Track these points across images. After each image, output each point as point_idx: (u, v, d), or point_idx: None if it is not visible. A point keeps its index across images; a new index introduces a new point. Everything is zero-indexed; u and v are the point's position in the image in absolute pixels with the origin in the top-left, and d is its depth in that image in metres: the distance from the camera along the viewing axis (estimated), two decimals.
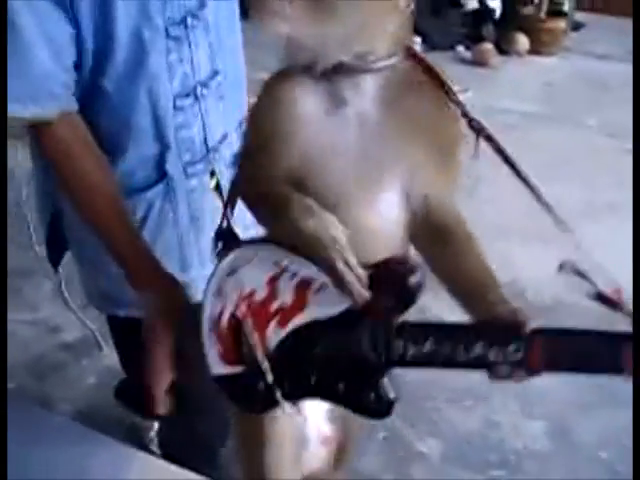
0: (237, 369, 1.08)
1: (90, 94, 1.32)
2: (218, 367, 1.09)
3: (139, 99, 1.34)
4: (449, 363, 0.98)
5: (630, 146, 4.37)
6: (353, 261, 0.94)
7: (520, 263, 3.20)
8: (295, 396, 1.08)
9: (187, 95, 1.39)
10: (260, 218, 1.09)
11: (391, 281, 0.98)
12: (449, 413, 2.40)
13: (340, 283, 0.95)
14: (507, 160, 1.09)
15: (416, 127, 1.02)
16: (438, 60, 4.13)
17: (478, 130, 1.03)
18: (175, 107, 1.38)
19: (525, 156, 4.03)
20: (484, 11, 5.89)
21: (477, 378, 2.65)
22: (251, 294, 1.05)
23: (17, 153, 2.74)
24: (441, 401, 2.43)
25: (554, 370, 0.98)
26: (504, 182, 3.81)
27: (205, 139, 1.45)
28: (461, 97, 3.69)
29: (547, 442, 2.31)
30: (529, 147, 4.26)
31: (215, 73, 1.43)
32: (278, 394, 1.06)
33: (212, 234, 1.32)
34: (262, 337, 1.05)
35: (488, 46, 5.59)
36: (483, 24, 5.78)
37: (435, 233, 1.05)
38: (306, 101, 0.99)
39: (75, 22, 1.24)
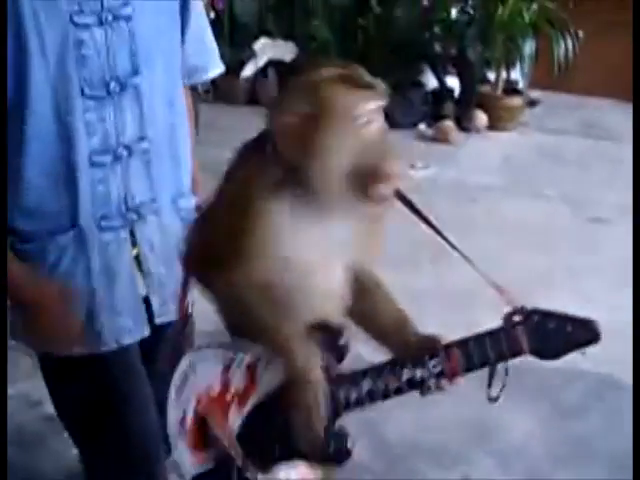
0: (210, 464, 1.23)
1: (13, 137, 1.43)
2: (192, 467, 1.25)
3: (55, 149, 1.45)
4: (386, 394, 1.17)
5: (589, 215, 4.57)
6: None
7: (485, 327, 3.27)
8: (267, 465, 1.19)
9: (105, 153, 1.48)
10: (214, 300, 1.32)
11: (328, 343, 1.19)
12: (429, 472, 2.44)
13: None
14: (427, 222, 1.35)
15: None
16: (401, 138, 4.34)
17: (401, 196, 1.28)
18: (92, 163, 1.47)
19: (489, 226, 4.23)
20: (444, 90, 6.14)
21: (455, 438, 2.73)
22: (208, 390, 1.23)
23: None
24: (421, 461, 2.47)
25: (470, 371, 1.30)
26: (469, 250, 3.94)
27: (125, 198, 1.52)
28: (424, 173, 3.92)
29: None
30: (493, 218, 4.44)
31: (142, 139, 1.52)
32: (251, 474, 1.18)
33: (127, 288, 1.54)
34: (225, 425, 1.17)
35: (449, 123, 5.80)
36: (443, 102, 6.01)
37: (361, 290, 1.32)
38: (288, 214, 1.22)
39: None
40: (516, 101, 6.09)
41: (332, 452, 1.18)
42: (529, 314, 1.17)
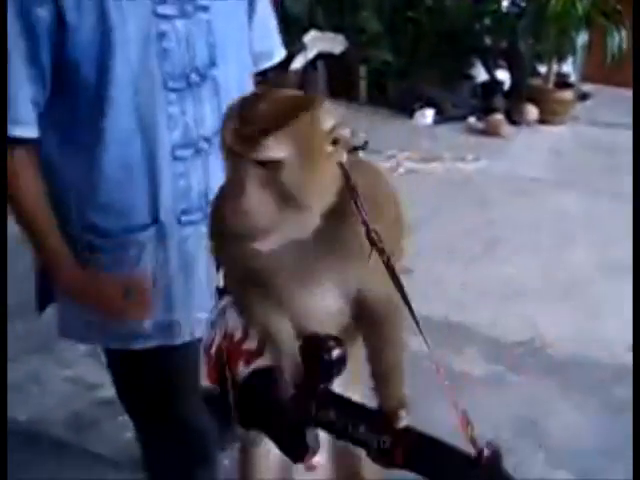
0: (216, 388, 1.24)
1: (91, 134, 1.43)
2: (204, 381, 1.28)
3: (136, 143, 1.44)
4: (341, 434, 1.13)
5: None
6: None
7: (540, 322, 3.27)
8: (251, 426, 1.23)
9: (187, 147, 1.48)
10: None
11: (310, 355, 1.14)
12: None
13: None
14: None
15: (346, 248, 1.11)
16: (451, 131, 4.36)
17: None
18: (174, 156, 1.47)
19: (541, 219, 4.19)
20: (494, 83, 6.10)
21: (504, 432, 2.72)
22: (232, 333, 1.22)
23: None
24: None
25: (410, 469, 1.10)
26: (520, 244, 3.95)
27: (205, 191, 1.51)
28: (474, 166, 3.90)
29: None
30: (544, 212, 4.40)
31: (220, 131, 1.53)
32: (236, 420, 1.21)
33: (203, 281, 1.54)
34: (235, 369, 1.20)
35: (499, 117, 5.76)
36: (493, 96, 5.97)
37: (368, 317, 1.19)
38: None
39: (75, 64, 1.38)
40: (567, 94, 6.02)
41: (294, 445, 1.18)
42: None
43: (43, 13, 1.34)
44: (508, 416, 2.66)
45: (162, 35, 1.41)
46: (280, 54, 1.76)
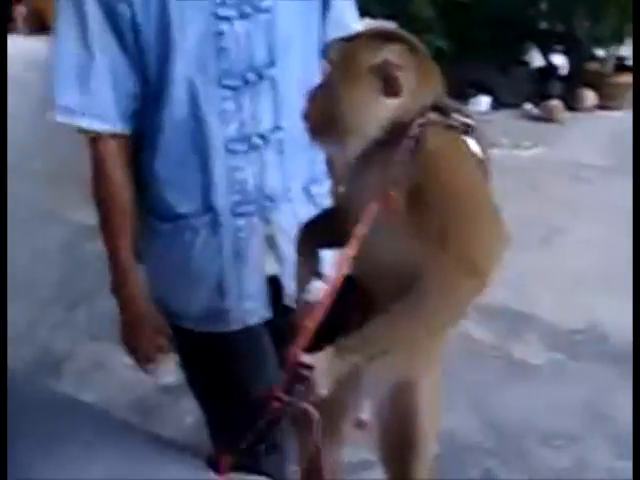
0: None
1: (151, 125, 1.50)
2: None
3: (190, 136, 1.49)
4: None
5: None
6: None
7: (600, 310, 3.22)
8: None
9: (242, 141, 1.51)
10: None
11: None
12: (541, 453, 2.42)
13: None
14: None
15: None
16: (507, 117, 4.29)
17: None
18: (228, 150, 1.50)
19: (599, 206, 4.12)
20: (550, 68, 6.00)
21: (568, 420, 2.68)
22: None
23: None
24: (532, 441, 2.46)
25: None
26: (579, 232, 3.89)
27: (260, 186, 1.55)
28: (531, 152, 3.85)
29: None
30: (606, 199, 4.32)
31: (277, 128, 1.53)
32: None
33: (255, 272, 1.57)
34: None
35: (556, 102, 5.67)
36: (550, 81, 5.88)
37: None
38: None
39: (140, 65, 1.45)
40: (626, 78, 5.88)
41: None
42: None
43: (123, 8, 1.40)
44: (570, 404, 2.63)
45: (220, 34, 1.44)
46: None
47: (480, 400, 2.58)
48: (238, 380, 1.71)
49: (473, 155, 1.18)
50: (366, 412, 1.36)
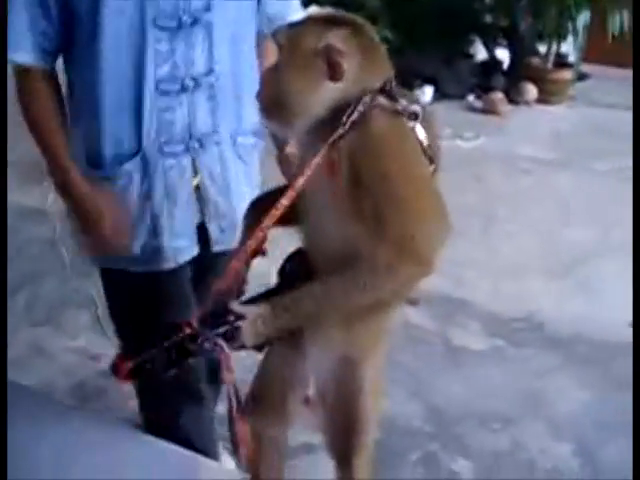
0: None
1: (84, 64, 1.54)
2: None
3: (124, 76, 1.53)
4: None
5: None
6: None
7: (539, 297, 3.30)
8: None
9: (173, 82, 1.55)
10: None
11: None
12: (479, 436, 2.48)
13: None
14: None
15: None
16: (450, 109, 4.34)
17: None
18: (159, 90, 1.55)
19: (539, 198, 4.21)
20: (493, 62, 6.09)
21: (505, 404, 2.74)
22: None
23: (49, 193, 2.90)
24: (470, 425, 2.51)
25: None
26: (518, 221, 3.98)
27: (189, 127, 1.60)
28: (473, 144, 3.92)
29: (575, 463, 2.39)
30: (545, 191, 4.42)
31: (209, 73, 1.58)
32: None
33: (185, 211, 1.63)
34: None
35: (498, 95, 5.76)
36: (493, 74, 5.97)
37: None
38: None
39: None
40: (566, 74, 6.02)
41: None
42: None
43: None
44: (508, 389, 2.69)
45: None
46: (298, 12, 1.75)
47: (420, 385, 2.63)
48: (163, 316, 1.71)
49: (419, 142, 1.20)
50: (311, 389, 1.38)
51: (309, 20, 1.22)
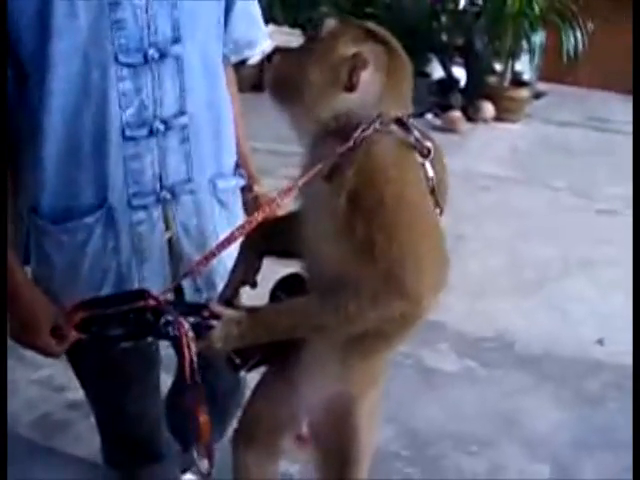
0: None
1: (34, 107, 1.35)
2: None
3: (83, 120, 1.35)
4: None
5: (598, 207, 4.60)
6: None
7: (507, 316, 3.31)
8: None
9: (141, 126, 1.38)
10: None
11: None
12: (457, 459, 2.46)
13: None
14: None
15: None
16: None
17: None
18: (125, 136, 1.37)
19: (498, 215, 4.24)
20: (450, 80, 6.15)
21: (482, 426, 2.72)
22: None
23: None
24: (448, 447, 2.49)
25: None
26: (482, 239, 3.99)
27: (160, 175, 1.43)
28: None
29: None
30: (505, 208, 4.46)
31: (181, 113, 1.41)
32: None
33: (157, 267, 1.47)
34: None
35: (457, 113, 5.82)
36: (450, 93, 6.02)
37: None
38: None
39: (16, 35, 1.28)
40: (523, 93, 6.11)
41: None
42: None
43: None
44: (483, 410, 2.68)
45: (116, 4, 1.30)
46: (265, 44, 1.65)
47: (396, 408, 2.60)
48: (132, 393, 1.66)
49: (427, 179, 1.16)
50: (304, 427, 1.34)
51: (354, 27, 1.19)
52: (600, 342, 3.14)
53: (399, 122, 1.14)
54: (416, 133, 1.15)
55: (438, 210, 1.20)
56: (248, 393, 1.50)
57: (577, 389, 2.83)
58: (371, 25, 1.20)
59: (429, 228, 1.15)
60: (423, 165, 1.15)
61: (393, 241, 1.09)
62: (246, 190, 1.67)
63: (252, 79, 6.05)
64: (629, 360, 3.02)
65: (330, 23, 1.18)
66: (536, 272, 3.73)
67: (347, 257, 1.10)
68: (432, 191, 1.17)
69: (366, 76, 1.12)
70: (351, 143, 1.10)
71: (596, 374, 2.93)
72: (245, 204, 1.67)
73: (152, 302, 1.19)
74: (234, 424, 1.49)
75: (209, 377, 1.24)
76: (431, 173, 1.16)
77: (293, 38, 6.06)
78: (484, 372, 2.92)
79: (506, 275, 3.68)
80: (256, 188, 1.69)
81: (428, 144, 1.15)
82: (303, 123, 1.18)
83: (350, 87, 1.12)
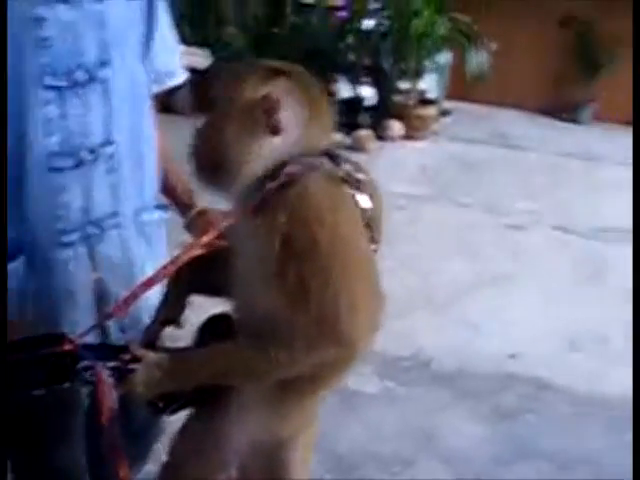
0: None
1: None
2: None
3: (7, 149, 1.26)
4: None
5: (507, 221, 4.73)
6: None
7: (422, 335, 3.34)
8: None
9: (67, 156, 1.30)
10: None
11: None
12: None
13: None
14: None
15: None
16: None
17: None
18: (49, 167, 1.28)
19: (411, 233, 4.28)
20: (357, 100, 6.21)
21: (403, 445, 2.73)
22: None
23: None
24: (372, 469, 2.49)
25: None
26: (397, 258, 4.02)
27: (86, 209, 1.35)
28: None
29: None
30: (414, 225, 4.52)
31: (108, 142, 1.34)
32: None
33: (89, 306, 1.41)
34: None
35: (365, 132, 5.88)
36: (358, 112, 6.08)
37: None
38: None
39: None
40: (430, 111, 6.23)
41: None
42: None
43: None
44: (403, 429, 2.69)
45: (40, 21, 1.22)
46: (182, 75, 1.63)
47: (320, 433, 2.59)
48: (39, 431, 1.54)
49: (362, 210, 1.13)
50: (234, 472, 1.29)
51: (246, 68, 1.14)
52: (513, 356, 3.21)
53: (327, 155, 1.11)
54: (346, 166, 1.12)
55: (374, 246, 1.16)
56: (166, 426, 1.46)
57: (494, 403, 2.88)
58: (274, 62, 1.16)
59: (363, 268, 1.11)
60: (353, 196, 1.12)
61: (327, 286, 1.05)
62: (188, 209, 1.62)
63: (160, 100, 6.01)
64: (543, 372, 3.12)
65: (216, 80, 1.14)
66: (448, 289, 3.79)
67: (279, 301, 1.06)
68: (367, 224, 1.13)
69: (285, 114, 1.08)
70: (281, 181, 1.06)
71: (511, 387, 3.00)
72: (189, 223, 1.61)
73: (68, 346, 1.12)
74: (157, 470, 1.43)
75: (126, 413, 1.20)
76: (365, 205, 1.13)
77: (201, 58, 6.03)
78: (403, 391, 2.94)
79: (420, 292, 3.73)
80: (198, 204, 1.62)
81: (360, 176, 1.12)
82: (236, 185, 1.12)
83: (274, 130, 1.08)
